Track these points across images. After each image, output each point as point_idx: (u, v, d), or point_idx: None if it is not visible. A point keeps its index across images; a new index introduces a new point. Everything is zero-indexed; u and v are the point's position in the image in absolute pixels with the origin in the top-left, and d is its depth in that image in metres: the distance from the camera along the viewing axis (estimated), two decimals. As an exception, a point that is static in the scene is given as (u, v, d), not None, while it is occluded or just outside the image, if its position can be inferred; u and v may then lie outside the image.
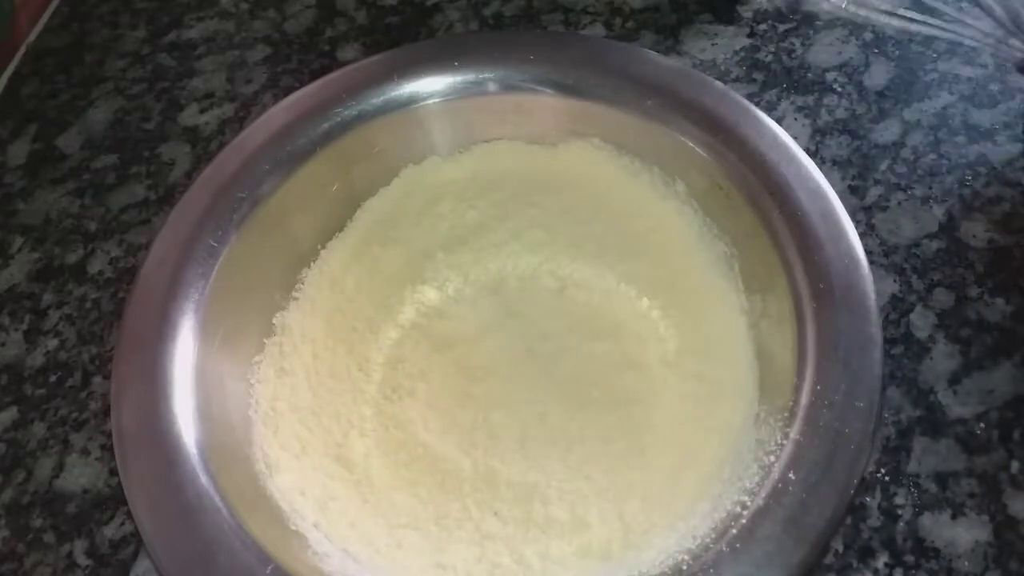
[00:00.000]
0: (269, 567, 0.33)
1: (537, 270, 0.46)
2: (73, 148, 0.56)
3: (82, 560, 0.40)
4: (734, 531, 0.31)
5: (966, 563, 0.35)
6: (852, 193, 0.45)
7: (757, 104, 0.44)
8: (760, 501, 0.32)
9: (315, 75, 0.48)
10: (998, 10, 0.42)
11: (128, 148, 0.55)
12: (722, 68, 0.51)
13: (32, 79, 0.60)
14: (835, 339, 0.35)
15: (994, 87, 0.48)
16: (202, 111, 0.56)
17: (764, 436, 0.34)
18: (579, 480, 0.38)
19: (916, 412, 0.38)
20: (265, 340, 0.42)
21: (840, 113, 0.48)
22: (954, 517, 0.36)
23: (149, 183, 0.53)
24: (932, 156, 0.46)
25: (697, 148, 0.41)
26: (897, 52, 0.50)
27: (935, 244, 0.43)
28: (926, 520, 0.36)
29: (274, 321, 0.43)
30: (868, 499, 0.37)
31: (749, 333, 0.39)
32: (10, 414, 0.45)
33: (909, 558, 0.35)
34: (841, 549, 0.36)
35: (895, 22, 0.44)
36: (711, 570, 0.31)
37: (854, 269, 0.36)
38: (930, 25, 0.45)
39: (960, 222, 0.44)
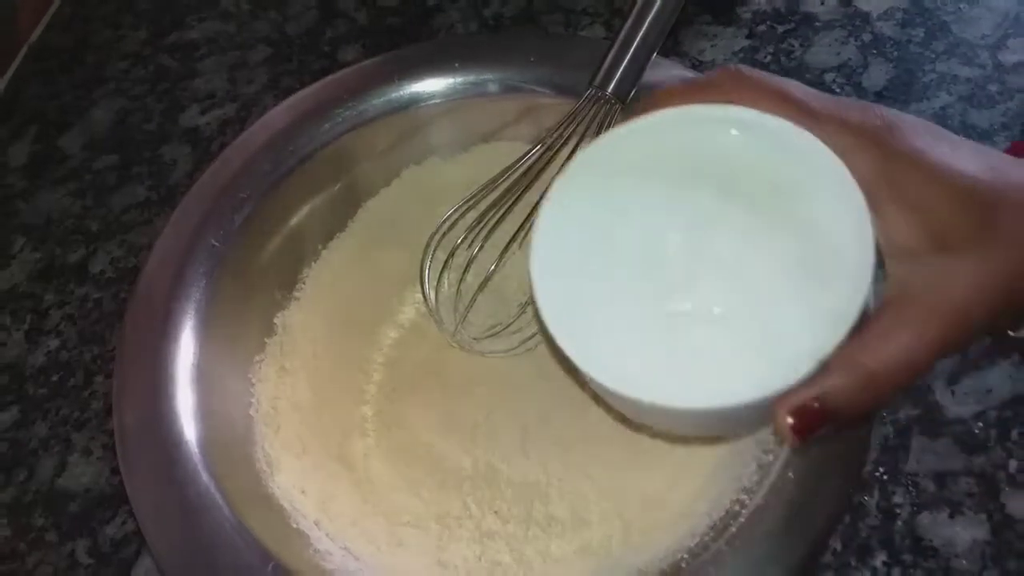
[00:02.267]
0: (270, 565, 0.33)
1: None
2: (75, 149, 0.56)
3: (84, 559, 0.40)
4: (733, 530, 0.32)
5: (964, 562, 0.35)
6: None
7: (756, 105, 0.44)
8: (759, 500, 0.32)
9: (316, 76, 0.48)
10: None
11: (129, 149, 0.55)
12: (721, 69, 0.51)
13: (34, 80, 0.60)
14: (834, 339, 0.35)
15: (992, 88, 0.48)
16: (203, 112, 0.56)
17: (763, 435, 0.35)
18: (579, 479, 0.38)
19: (914, 411, 0.38)
20: (266, 339, 0.42)
21: (839, 114, 0.48)
22: (952, 516, 0.36)
23: (150, 183, 0.53)
24: (931, 157, 0.46)
25: (696, 149, 0.42)
26: (896, 53, 0.51)
27: (933, 244, 0.43)
28: (924, 519, 0.36)
29: (275, 320, 0.43)
30: (866, 498, 0.37)
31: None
32: (12, 414, 0.45)
33: (907, 557, 0.35)
34: (839, 548, 0.36)
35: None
36: (710, 568, 0.31)
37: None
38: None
39: (958, 222, 0.44)
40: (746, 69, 0.28)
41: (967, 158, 0.26)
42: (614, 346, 0.26)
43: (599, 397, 0.34)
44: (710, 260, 0.26)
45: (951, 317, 0.24)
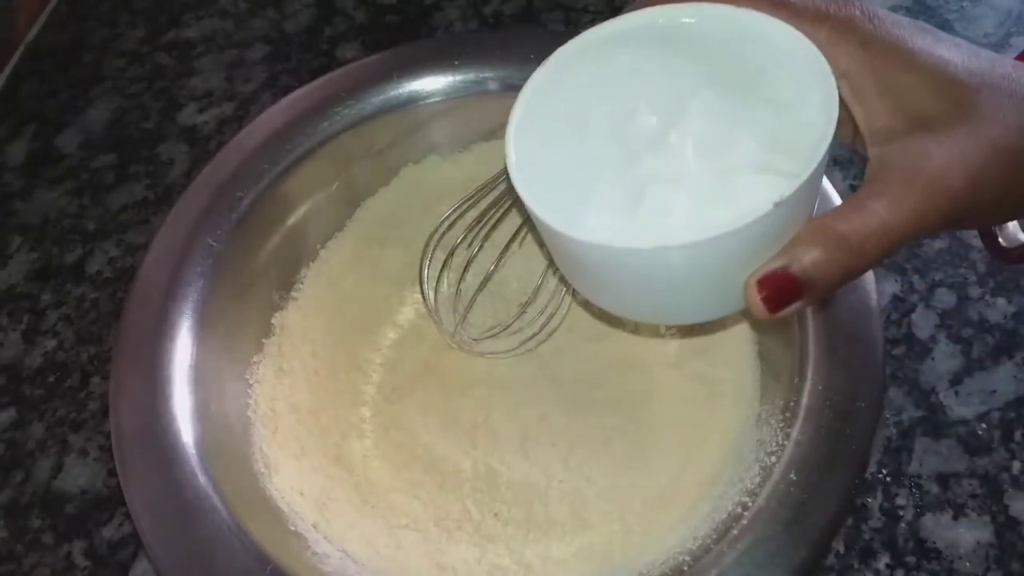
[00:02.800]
0: (268, 568, 0.33)
1: (537, 270, 0.45)
2: (72, 148, 0.56)
3: (80, 561, 0.40)
4: (735, 532, 0.31)
5: (967, 564, 0.35)
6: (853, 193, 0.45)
7: (758, 103, 0.44)
8: (761, 502, 0.32)
9: (314, 74, 0.48)
10: None
11: (127, 148, 0.55)
12: (722, 67, 0.51)
13: (31, 79, 0.60)
14: (836, 339, 0.34)
15: (995, 86, 0.48)
16: (201, 110, 0.56)
17: (765, 437, 0.34)
18: (580, 481, 0.38)
19: (917, 412, 0.38)
20: (264, 340, 0.42)
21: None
22: (955, 518, 0.36)
23: (148, 183, 0.53)
24: (933, 155, 0.46)
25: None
26: (898, 51, 0.50)
27: (937, 244, 0.43)
28: (927, 521, 0.36)
29: (273, 321, 0.43)
30: (869, 500, 0.36)
31: (750, 333, 0.39)
32: (8, 415, 0.45)
33: (910, 559, 0.35)
34: (842, 550, 0.35)
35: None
36: (712, 571, 0.31)
37: (855, 269, 0.36)
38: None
39: (961, 222, 0.44)
40: None
41: (949, 48, 0.26)
42: (577, 203, 0.27)
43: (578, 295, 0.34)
44: (679, 131, 0.27)
45: (924, 190, 0.25)
